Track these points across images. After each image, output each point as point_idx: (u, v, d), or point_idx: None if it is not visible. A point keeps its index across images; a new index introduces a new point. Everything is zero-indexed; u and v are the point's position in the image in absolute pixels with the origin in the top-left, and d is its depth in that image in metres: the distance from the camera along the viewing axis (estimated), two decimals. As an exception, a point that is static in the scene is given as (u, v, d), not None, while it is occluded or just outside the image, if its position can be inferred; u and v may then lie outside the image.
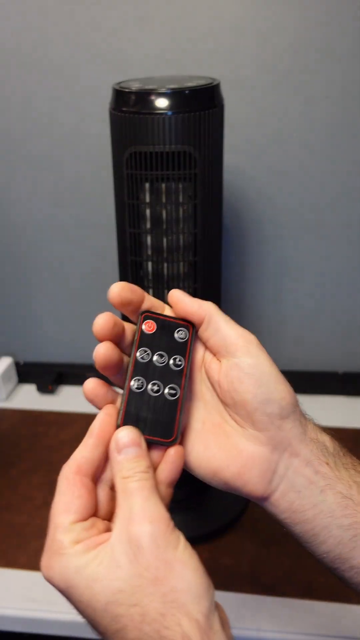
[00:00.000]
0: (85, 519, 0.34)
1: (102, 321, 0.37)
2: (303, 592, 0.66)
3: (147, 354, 0.39)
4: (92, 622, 0.32)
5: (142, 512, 0.32)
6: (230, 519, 0.75)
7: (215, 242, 0.66)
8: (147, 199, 0.62)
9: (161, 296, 0.64)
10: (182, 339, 0.40)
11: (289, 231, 0.92)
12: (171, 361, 0.39)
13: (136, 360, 0.38)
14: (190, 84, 0.58)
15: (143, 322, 0.39)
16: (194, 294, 0.64)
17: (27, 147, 0.91)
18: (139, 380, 0.38)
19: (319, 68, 0.81)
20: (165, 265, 0.64)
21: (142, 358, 0.38)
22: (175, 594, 0.30)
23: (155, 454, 0.37)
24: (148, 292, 0.68)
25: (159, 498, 0.33)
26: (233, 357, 0.38)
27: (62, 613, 0.64)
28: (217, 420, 0.40)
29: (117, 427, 0.36)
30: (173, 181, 0.60)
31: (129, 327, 0.40)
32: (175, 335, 0.40)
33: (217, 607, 0.32)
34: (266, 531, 0.74)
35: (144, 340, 0.39)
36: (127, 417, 0.36)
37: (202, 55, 0.82)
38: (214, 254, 0.67)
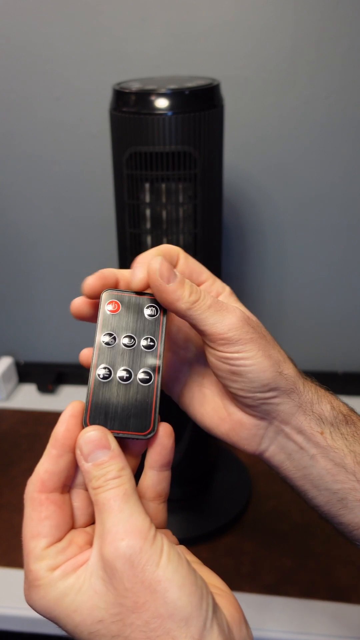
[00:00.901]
0: (59, 540, 0.31)
1: (77, 304, 0.36)
2: (303, 592, 0.66)
3: (113, 338, 0.34)
4: None
5: (115, 527, 0.28)
6: (230, 519, 0.75)
7: (215, 242, 0.66)
8: (147, 199, 0.62)
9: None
10: (153, 316, 0.35)
11: (289, 231, 0.92)
12: (142, 342, 0.34)
13: (100, 346, 0.34)
14: (190, 84, 0.58)
15: (106, 302, 0.35)
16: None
17: (27, 147, 0.91)
18: (104, 368, 0.33)
19: (319, 68, 0.81)
20: (165, 265, 0.64)
21: (106, 343, 0.34)
22: (159, 620, 0.27)
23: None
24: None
25: (137, 503, 0.30)
26: (211, 343, 0.36)
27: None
28: (214, 378, 0.40)
29: (84, 425, 0.32)
30: (173, 181, 0.60)
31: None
32: (145, 312, 0.35)
33: (216, 614, 0.29)
34: (266, 531, 0.74)
35: (107, 322, 0.34)
36: (94, 414, 0.32)
37: (202, 55, 0.82)
38: (214, 254, 0.67)
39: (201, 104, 0.58)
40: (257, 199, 0.90)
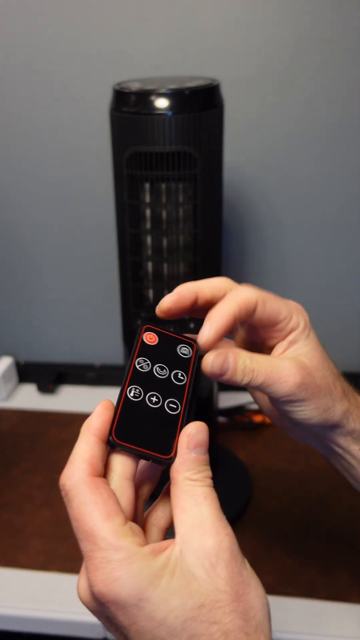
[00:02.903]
0: (126, 522, 0.30)
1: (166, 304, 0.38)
2: (303, 592, 0.66)
3: (147, 364, 0.36)
4: None
5: (216, 523, 0.31)
6: (230, 519, 0.75)
7: (215, 242, 0.66)
8: (147, 199, 0.62)
9: (161, 296, 0.64)
10: (186, 355, 0.38)
11: (289, 231, 0.92)
12: (172, 375, 0.37)
13: (134, 369, 0.36)
14: (190, 84, 0.59)
15: (144, 333, 0.38)
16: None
17: (28, 147, 0.91)
18: (136, 389, 0.35)
19: (319, 68, 0.81)
20: (165, 265, 0.64)
21: (141, 367, 0.36)
22: (253, 611, 0.29)
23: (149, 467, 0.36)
24: (147, 292, 0.69)
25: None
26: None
27: (62, 612, 0.65)
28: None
29: (110, 437, 0.32)
30: (173, 181, 0.60)
31: (201, 291, 0.38)
32: (178, 350, 0.38)
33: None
34: (266, 531, 0.74)
35: (144, 350, 0.37)
36: (121, 426, 0.33)
37: (202, 55, 0.82)
38: (214, 254, 0.67)
39: (201, 104, 0.58)
40: (257, 199, 0.90)
